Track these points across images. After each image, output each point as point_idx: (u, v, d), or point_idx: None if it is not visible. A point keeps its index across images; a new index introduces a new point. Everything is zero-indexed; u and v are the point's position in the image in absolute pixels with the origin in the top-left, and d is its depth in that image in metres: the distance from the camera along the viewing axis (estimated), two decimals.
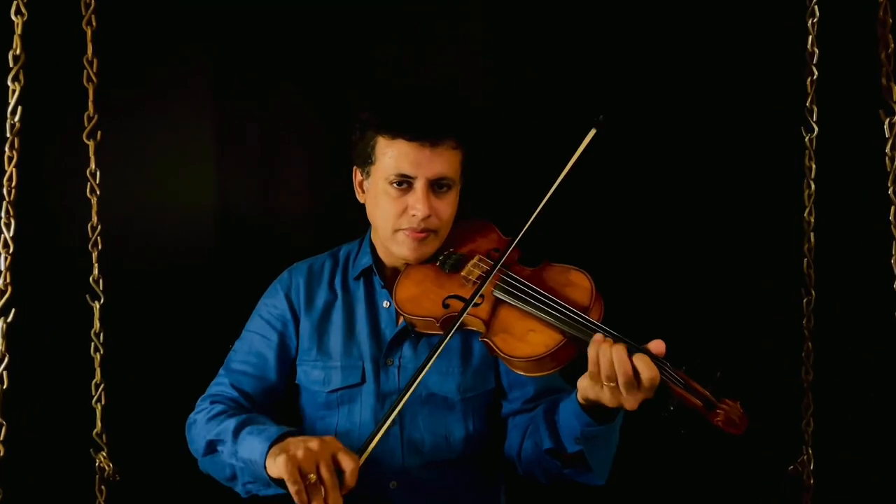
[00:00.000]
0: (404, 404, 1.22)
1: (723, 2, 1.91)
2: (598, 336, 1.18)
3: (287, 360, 1.47)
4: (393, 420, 1.21)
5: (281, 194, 2.01)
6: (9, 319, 1.39)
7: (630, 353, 1.14)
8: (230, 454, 1.28)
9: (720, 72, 1.93)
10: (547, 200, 1.34)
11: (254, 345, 1.47)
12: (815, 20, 1.58)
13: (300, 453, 1.15)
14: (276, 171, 2.02)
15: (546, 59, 1.98)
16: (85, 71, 1.62)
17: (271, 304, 1.50)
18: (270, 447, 1.20)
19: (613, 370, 1.13)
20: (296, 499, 1.14)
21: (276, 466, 1.16)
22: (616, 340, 1.18)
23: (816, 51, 1.60)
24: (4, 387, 1.39)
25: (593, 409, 1.22)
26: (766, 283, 1.91)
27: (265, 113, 2.00)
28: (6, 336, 1.39)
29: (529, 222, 1.35)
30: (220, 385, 1.45)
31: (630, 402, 1.14)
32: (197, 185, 1.99)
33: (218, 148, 1.99)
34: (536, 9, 1.96)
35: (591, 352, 1.17)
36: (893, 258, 1.47)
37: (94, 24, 1.61)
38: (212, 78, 1.98)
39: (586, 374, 1.19)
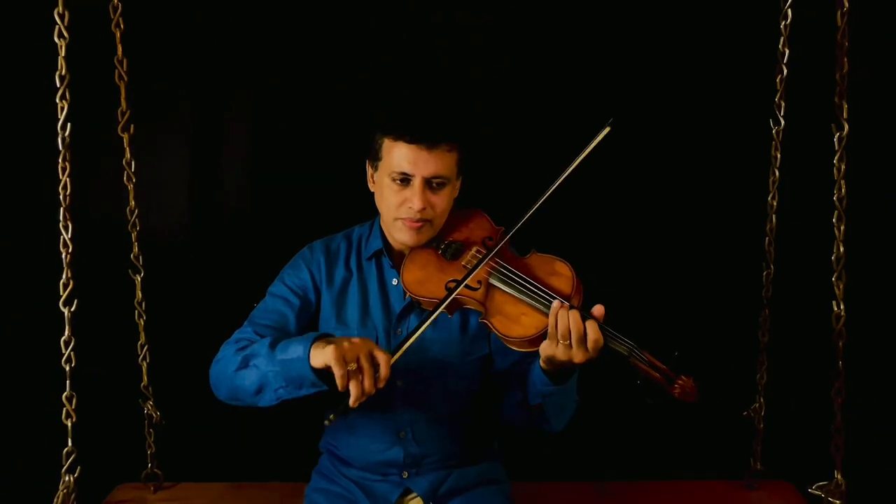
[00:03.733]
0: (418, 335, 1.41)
1: (707, 6, 2.01)
2: (556, 303, 1.39)
3: (305, 321, 1.65)
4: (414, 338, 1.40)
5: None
6: (73, 309, 1.57)
7: (583, 319, 1.37)
8: (266, 362, 1.41)
9: (701, 72, 2.05)
10: (544, 199, 1.48)
11: (276, 305, 1.64)
12: (787, 22, 1.71)
13: (345, 344, 1.30)
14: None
15: (547, 56, 2.09)
16: (116, 70, 1.74)
17: (294, 275, 1.67)
18: (314, 342, 1.35)
19: (568, 330, 1.36)
20: (339, 381, 1.29)
21: (324, 354, 1.30)
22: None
23: (787, 51, 1.73)
24: (73, 365, 1.59)
25: (552, 372, 1.44)
26: (732, 259, 2.10)
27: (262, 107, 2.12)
28: (71, 323, 1.58)
29: (526, 217, 1.50)
30: (244, 333, 1.59)
31: (578, 356, 1.36)
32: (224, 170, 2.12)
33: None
34: (540, 6, 2.05)
35: (550, 316, 1.39)
36: (834, 255, 1.64)
37: (122, 26, 1.72)
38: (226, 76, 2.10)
39: (546, 340, 1.40)
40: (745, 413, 1.91)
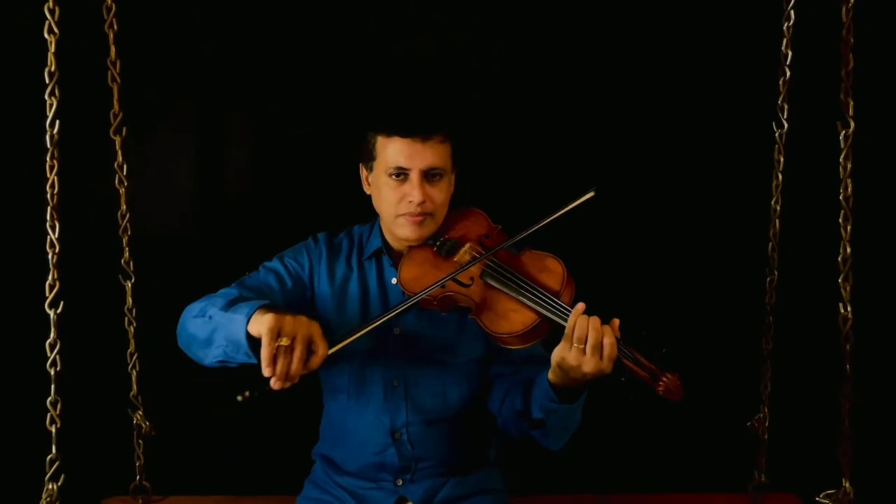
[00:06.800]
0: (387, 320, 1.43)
1: (709, 7, 2.01)
2: (579, 305, 1.36)
3: (291, 302, 1.60)
4: (366, 331, 1.38)
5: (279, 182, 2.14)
6: (59, 311, 1.54)
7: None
8: (219, 315, 1.38)
9: (702, 73, 2.04)
10: (534, 229, 1.49)
11: (267, 278, 1.61)
12: (789, 24, 1.69)
13: (288, 318, 1.24)
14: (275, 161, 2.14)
15: (546, 53, 2.08)
16: (109, 72, 1.73)
17: (294, 259, 1.65)
18: (260, 308, 1.30)
19: (586, 333, 1.32)
20: (263, 353, 1.21)
21: (262, 322, 1.24)
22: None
23: (790, 53, 1.71)
24: (58, 369, 1.55)
25: (561, 389, 1.41)
26: (734, 265, 2.07)
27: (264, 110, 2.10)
28: (57, 325, 1.54)
29: (515, 239, 1.51)
30: (228, 290, 1.54)
31: (589, 364, 1.32)
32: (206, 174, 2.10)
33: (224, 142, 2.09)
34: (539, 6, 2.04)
35: (571, 318, 1.35)
36: (841, 255, 1.61)
37: (115, 27, 1.70)
38: (211, 76, 2.07)
39: (561, 342, 1.36)
40: (748, 424, 1.86)
